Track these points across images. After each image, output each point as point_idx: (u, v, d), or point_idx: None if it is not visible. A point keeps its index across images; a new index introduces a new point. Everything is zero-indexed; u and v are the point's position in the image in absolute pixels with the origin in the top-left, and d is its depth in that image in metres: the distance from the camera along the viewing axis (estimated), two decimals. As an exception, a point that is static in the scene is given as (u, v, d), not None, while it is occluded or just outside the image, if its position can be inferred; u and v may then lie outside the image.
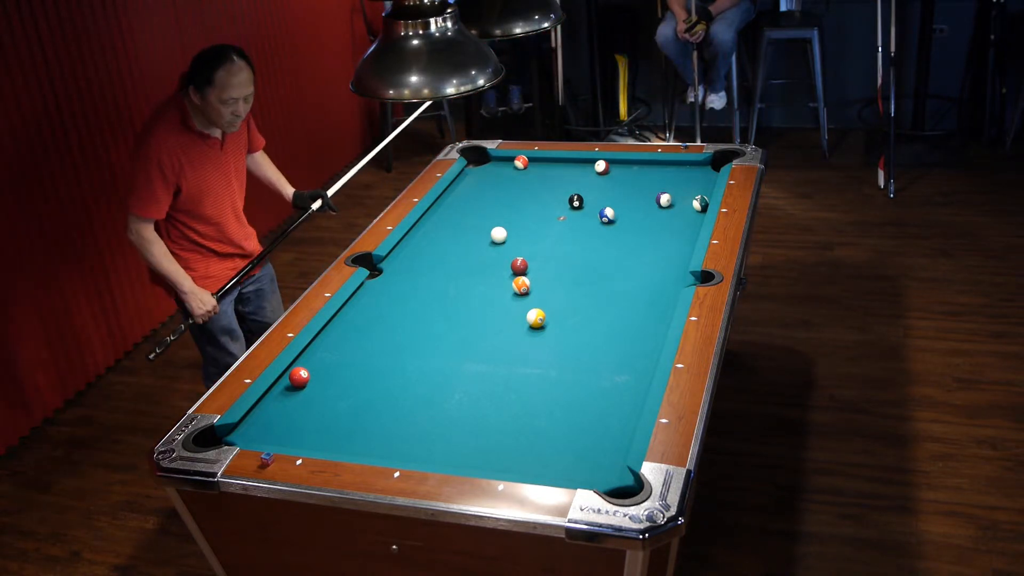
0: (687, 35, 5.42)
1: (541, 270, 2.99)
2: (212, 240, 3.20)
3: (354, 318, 2.83)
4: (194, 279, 3.13)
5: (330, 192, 3.43)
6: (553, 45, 5.82)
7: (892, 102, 5.27)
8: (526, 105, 6.16)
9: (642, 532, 1.85)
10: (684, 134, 6.16)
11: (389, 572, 2.18)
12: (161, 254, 3.04)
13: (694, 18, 5.38)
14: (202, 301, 3.10)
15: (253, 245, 3.36)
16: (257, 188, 3.48)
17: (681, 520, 1.88)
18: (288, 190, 3.49)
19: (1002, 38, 5.52)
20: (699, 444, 2.10)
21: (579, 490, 1.96)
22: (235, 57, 2.92)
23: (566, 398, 2.37)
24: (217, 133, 3.09)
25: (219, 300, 3.17)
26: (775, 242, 4.91)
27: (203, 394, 2.45)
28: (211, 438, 2.28)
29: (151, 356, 2.88)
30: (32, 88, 3.76)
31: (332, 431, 2.33)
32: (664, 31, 5.59)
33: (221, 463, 2.14)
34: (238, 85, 2.92)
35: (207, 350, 3.34)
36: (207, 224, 3.16)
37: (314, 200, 3.41)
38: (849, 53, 5.99)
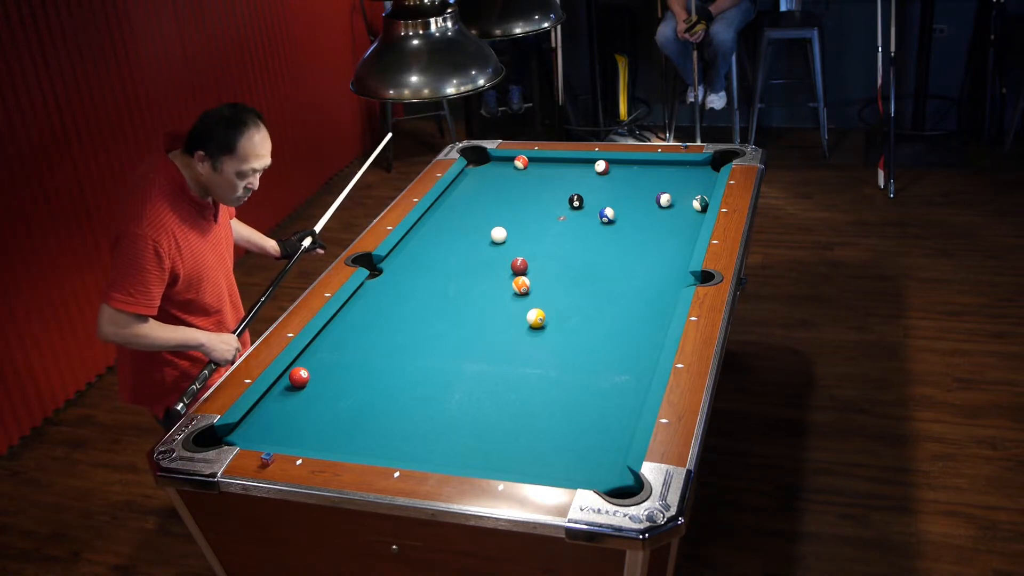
0: (687, 35, 5.42)
1: (541, 270, 2.99)
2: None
3: (354, 318, 2.83)
4: (176, 381, 2.67)
5: (318, 227, 3.08)
6: (553, 45, 5.82)
7: (892, 102, 5.26)
8: (526, 105, 6.16)
9: (642, 532, 1.85)
10: (684, 134, 6.16)
11: (389, 572, 2.18)
12: (158, 331, 2.48)
13: (694, 18, 5.38)
14: (225, 343, 2.58)
15: (246, 336, 2.84)
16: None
17: (681, 520, 1.88)
18: (270, 244, 3.04)
19: (1002, 38, 5.52)
20: (699, 444, 2.10)
21: (579, 490, 1.96)
22: (259, 122, 2.47)
23: (566, 398, 2.38)
24: (210, 200, 2.60)
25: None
26: (775, 242, 4.91)
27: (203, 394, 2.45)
28: (211, 438, 2.28)
29: (180, 407, 2.38)
30: (33, 91, 3.77)
31: (332, 431, 2.33)
32: (664, 31, 5.59)
33: (221, 463, 2.14)
34: (263, 156, 2.47)
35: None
36: (206, 316, 2.65)
37: (303, 240, 3.03)
38: (849, 53, 5.99)
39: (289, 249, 3.02)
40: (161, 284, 2.44)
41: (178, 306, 2.56)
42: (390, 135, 3.19)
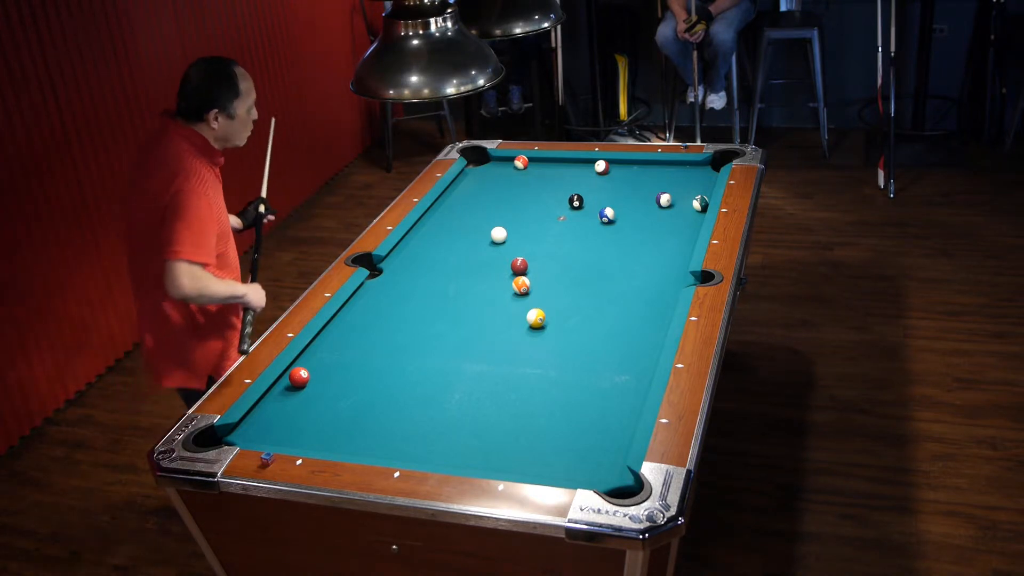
0: (687, 35, 5.42)
1: (541, 270, 2.99)
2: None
3: (354, 318, 2.83)
4: (223, 348, 2.87)
5: (263, 192, 3.09)
6: (553, 45, 5.82)
7: (892, 102, 5.26)
8: (526, 105, 6.16)
9: (642, 532, 1.85)
10: (684, 134, 6.16)
11: (389, 572, 2.18)
12: (216, 283, 2.65)
13: (694, 18, 5.38)
14: (259, 292, 2.81)
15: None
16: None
17: (681, 520, 1.88)
18: (232, 218, 3.02)
19: (1002, 38, 5.52)
20: (699, 444, 2.10)
21: (579, 490, 1.96)
22: (235, 61, 2.75)
23: (566, 398, 2.38)
24: (221, 160, 2.81)
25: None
26: (775, 242, 4.91)
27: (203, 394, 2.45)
28: (211, 438, 2.28)
29: (246, 347, 2.62)
30: (33, 91, 3.77)
31: (332, 431, 2.33)
32: (664, 31, 5.59)
33: (221, 463, 2.14)
34: (253, 88, 2.77)
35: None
36: (231, 270, 2.84)
37: (257, 207, 3.06)
38: (849, 53, 5.99)
39: (247, 220, 3.09)
40: (215, 235, 2.66)
41: (216, 261, 2.73)
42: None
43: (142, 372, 4.29)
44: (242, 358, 2.59)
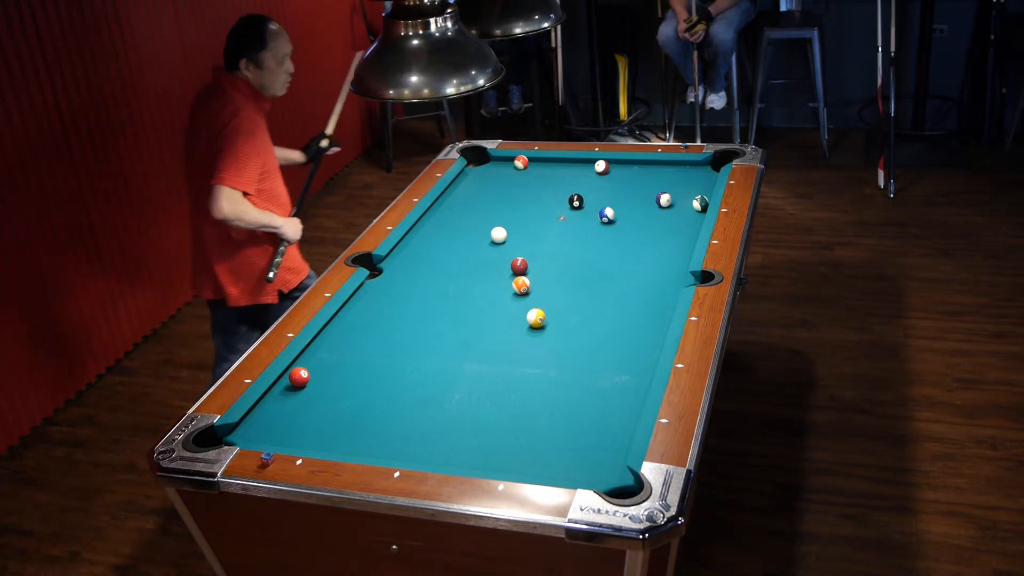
0: (687, 34, 5.43)
1: (541, 270, 2.99)
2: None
3: (354, 318, 2.83)
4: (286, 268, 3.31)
5: (328, 129, 3.53)
6: (553, 45, 5.82)
7: (892, 102, 5.26)
8: (526, 105, 6.16)
9: (642, 532, 1.85)
10: (684, 134, 6.16)
11: (389, 572, 2.18)
12: (254, 211, 3.09)
13: (694, 18, 5.39)
14: (295, 224, 3.26)
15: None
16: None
17: (681, 520, 1.88)
18: (296, 153, 3.55)
19: (1002, 38, 5.52)
20: (699, 444, 2.10)
21: (579, 490, 1.96)
22: (268, 17, 3.16)
23: (566, 398, 2.38)
24: (267, 105, 3.20)
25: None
26: (775, 242, 4.91)
27: (203, 394, 2.45)
28: (211, 438, 2.28)
29: (271, 275, 3.20)
30: (33, 90, 3.77)
31: (332, 431, 2.33)
32: (665, 30, 5.59)
33: (221, 463, 2.14)
34: (287, 41, 3.13)
35: (229, 339, 3.42)
36: (277, 204, 3.23)
37: (320, 141, 3.52)
38: (849, 53, 5.99)
39: (310, 153, 3.55)
40: (259, 168, 3.07)
41: (260, 194, 3.13)
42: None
43: (142, 372, 4.30)
44: (241, 359, 2.59)
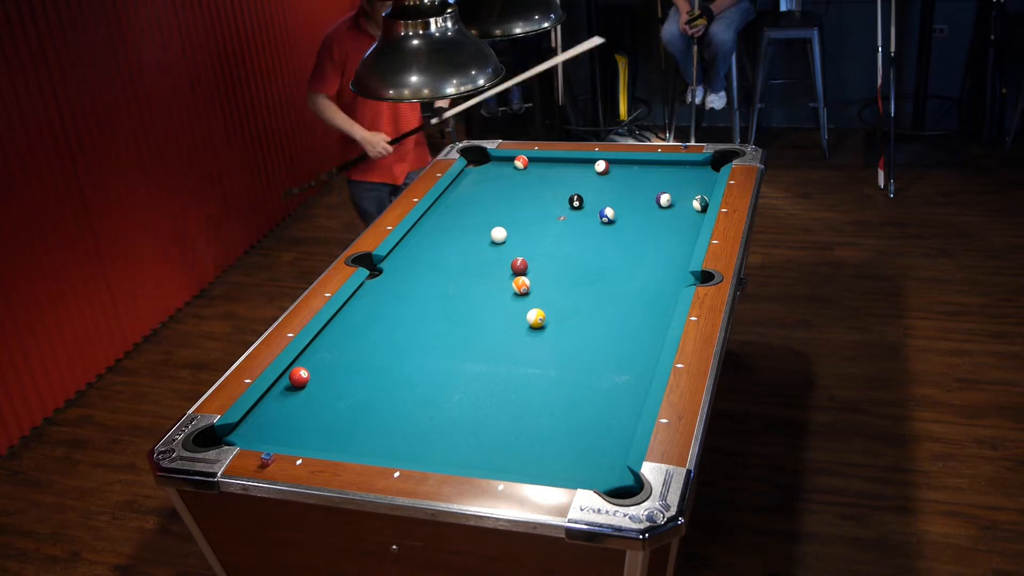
0: (687, 27, 5.43)
1: (541, 270, 2.99)
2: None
3: (354, 318, 2.83)
4: (392, 161, 3.99)
5: (447, 114, 4.03)
6: (553, 45, 5.82)
7: (892, 102, 5.26)
8: (526, 105, 6.15)
9: (642, 532, 1.85)
10: (684, 134, 6.16)
11: (389, 572, 2.18)
12: (334, 111, 3.90)
13: (696, 12, 5.40)
14: (374, 143, 3.90)
15: (401, 170, 4.11)
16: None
17: (681, 520, 1.88)
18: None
19: (1002, 38, 5.52)
20: (699, 444, 2.10)
21: (579, 490, 1.96)
22: None
23: (566, 398, 2.37)
24: (368, 39, 3.73)
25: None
26: (775, 242, 4.91)
27: (203, 394, 2.45)
28: (211, 438, 2.28)
29: (291, 192, 4.08)
30: (33, 91, 3.77)
31: (332, 431, 2.33)
32: (670, 28, 5.59)
33: (221, 463, 2.14)
34: None
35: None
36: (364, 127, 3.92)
37: (437, 114, 4.03)
38: (849, 53, 5.99)
39: (427, 113, 4.11)
40: (335, 76, 3.87)
41: (344, 108, 3.93)
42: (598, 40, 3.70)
43: (142, 372, 4.29)
44: (248, 351, 2.59)
